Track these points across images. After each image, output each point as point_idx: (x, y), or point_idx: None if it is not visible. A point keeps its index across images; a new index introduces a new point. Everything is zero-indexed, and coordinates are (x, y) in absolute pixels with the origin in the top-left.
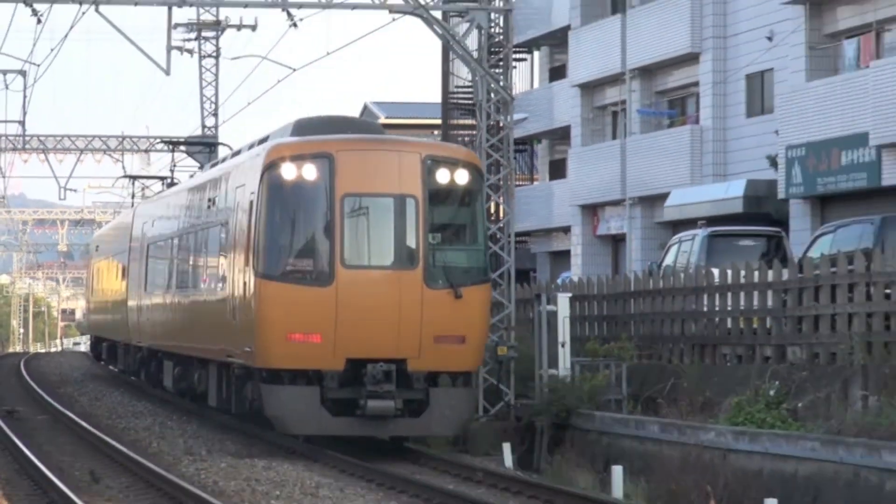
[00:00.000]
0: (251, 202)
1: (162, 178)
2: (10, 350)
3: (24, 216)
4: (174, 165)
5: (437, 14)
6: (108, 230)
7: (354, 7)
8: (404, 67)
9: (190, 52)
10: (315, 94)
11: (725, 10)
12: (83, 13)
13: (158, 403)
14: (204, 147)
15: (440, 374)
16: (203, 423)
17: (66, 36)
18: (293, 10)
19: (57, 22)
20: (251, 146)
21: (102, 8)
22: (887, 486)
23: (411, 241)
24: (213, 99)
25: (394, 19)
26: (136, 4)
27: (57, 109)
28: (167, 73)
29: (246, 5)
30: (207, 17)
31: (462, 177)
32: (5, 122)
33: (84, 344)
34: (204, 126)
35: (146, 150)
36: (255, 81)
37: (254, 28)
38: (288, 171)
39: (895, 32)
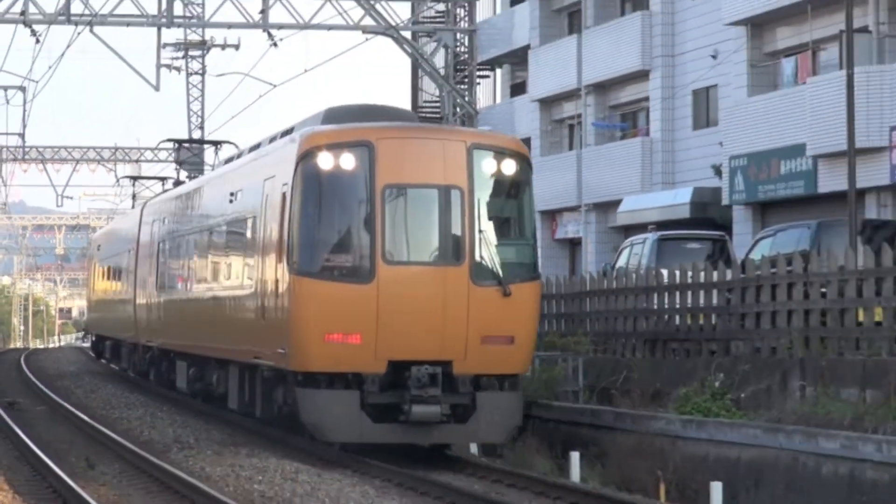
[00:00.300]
0: (283, 194)
1: (162, 179)
2: (11, 346)
3: (23, 222)
4: (179, 164)
5: (407, 34)
6: (112, 229)
7: (330, 28)
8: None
9: (178, 69)
10: (294, 108)
11: (673, 30)
12: (79, 33)
13: (149, 396)
14: (211, 146)
15: (486, 376)
16: (191, 413)
17: (62, 54)
18: (273, 31)
19: (54, 41)
20: (272, 139)
21: (97, 29)
22: (823, 469)
23: (457, 235)
24: (199, 113)
25: (367, 39)
26: (127, 25)
27: (54, 122)
28: (157, 88)
29: (230, 26)
30: (194, 37)
31: (509, 167)
32: (6, 134)
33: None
34: (191, 137)
35: (137, 160)
36: (239, 97)
37: (237, 47)
38: (325, 161)
39: (830, 51)
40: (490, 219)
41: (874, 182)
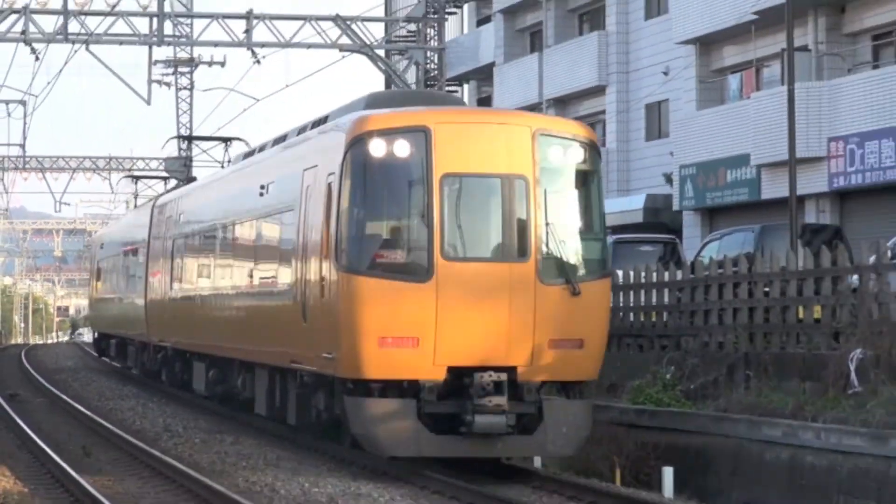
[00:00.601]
0: (329, 185)
1: (165, 178)
2: (13, 342)
3: (24, 226)
4: (190, 161)
5: (381, 52)
6: (118, 227)
7: (310, 46)
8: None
9: (168, 84)
10: (276, 122)
11: (628, 48)
12: (75, 51)
13: (141, 388)
14: (220, 142)
15: (552, 383)
16: (179, 404)
17: (60, 71)
18: (257, 49)
19: (53, 59)
20: (301, 130)
21: (92, 47)
22: (766, 455)
23: (522, 229)
24: (187, 125)
25: (343, 57)
26: (121, 44)
27: (53, 134)
28: (148, 102)
29: (216, 45)
30: (183, 54)
31: (578, 154)
32: (8, 145)
33: (74, 336)
34: (180, 148)
35: (129, 169)
36: (224, 110)
37: (223, 64)
38: (377, 148)
39: (772, 68)
40: (557, 211)
41: (813, 189)
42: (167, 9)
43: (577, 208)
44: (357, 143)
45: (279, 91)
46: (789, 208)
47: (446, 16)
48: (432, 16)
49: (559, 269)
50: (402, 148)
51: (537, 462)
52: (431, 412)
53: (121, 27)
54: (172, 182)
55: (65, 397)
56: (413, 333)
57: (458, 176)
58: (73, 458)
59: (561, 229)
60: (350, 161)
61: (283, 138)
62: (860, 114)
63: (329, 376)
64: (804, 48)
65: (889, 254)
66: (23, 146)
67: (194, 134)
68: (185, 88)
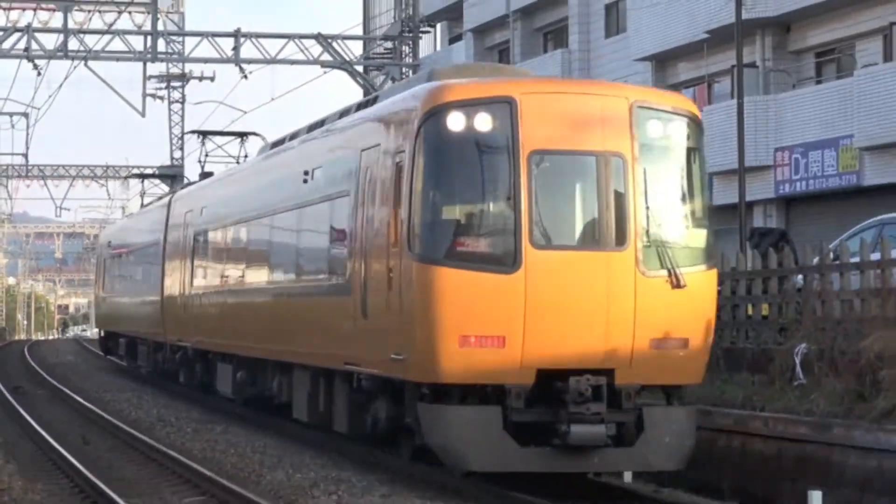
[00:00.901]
0: (397, 165)
1: (171, 177)
2: (16, 338)
3: (26, 230)
4: (206, 156)
5: (360, 68)
6: (128, 224)
7: (293, 63)
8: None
9: (161, 98)
10: (263, 133)
11: (589, 65)
12: (75, 67)
13: (136, 381)
14: (237, 137)
15: (651, 388)
16: (172, 395)
17: (60, 85)
18: (244, 65)
19: (53, 74)
20: (344, 113)
21: (90, 63)
22: (719, 442)
23: (620, 213)
24: (179, 136)
25: (325, 72)
26: (117, 60)
27: (54, 144)
28: (143, 115)
29: (206, 61)
30: (175, 70)
31: (679, 130)
32: (12, 154)
33: (64, 333)
34: (172, 157)
35: (125, 178)
36: (214, 122)
37: (212, 79)
38: (455, 122)
39: (723, 83)
40: (657, 193)
41: (761, 195)
42: (161, 27)
43: (680, 190)
44: (433, 116)
45: (265, 104)
46: (739, 213)
47: (420, 34)
48: (407, 34)
49: (661, 259)
50: (485, 121)
51: (627, 477)
52: (519, 421)
53: (117, 45)
54: (191, 176)
55: (65, 389)
56: (498, 332)
57: (548, 153)
58: (72, 447)
59: (662, 213)
60: (425, 137)
61: (320, 123)
62: (804, 126)
63: (396, 380)
64: (752, 65)
65: (831, 255)
66: (26, 155)
67: (184, 146)
68: (177, 102)
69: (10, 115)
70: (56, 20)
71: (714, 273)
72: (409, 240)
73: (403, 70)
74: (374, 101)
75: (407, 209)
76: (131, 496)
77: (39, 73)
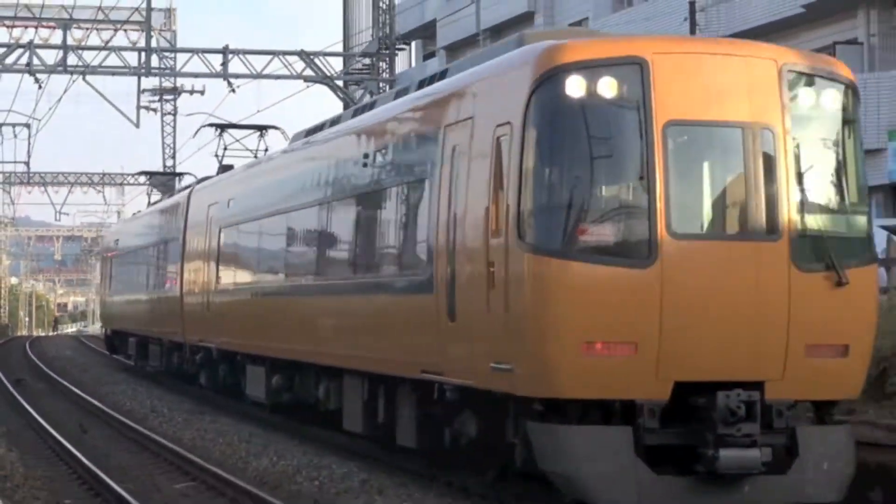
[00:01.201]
0: (498, 140)
1: (178, 175)
2: (18, 334)
3: (28, 233)
4: (225, 149)
5: (340, 83)
6: (139, 220)
7: (278, 77)
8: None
9: (154, 110)
10: (248, 142)
11: None
12: (73, 81)
13: (130, 374)
14: (256, 131)
15: (802, 403)
16: (163, 388)
17: (60, 98)
18: (232, 79)
19: (53, 88)
20: (399, 93)
21: (88, 77)
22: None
23: (770, 197)
24: (171, 146)
25: (307, 86)
26: (113, 75)
27: (54, 153)
28: (137, 126)
29: (196, 76)
30: (167, 84)
31: (836, 99)
32: (14, 162)
33: (53, 331)
34: (164, 166)
35: (121, 184)
36: (203, 133)
37: (202, 93)
38: (575, 87)
39: None
40: (813, 174)
41: (872, 182)
42: (154, 44)
43: (837, 170)
44: (548, 80)
45: (252, 116)
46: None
47: (396, 52)
48: (384, 52)
49: (819, 252)
50: (611, 86)
51: None
52: (653, 444)
53: (113, 60)
54: (187, 179)
55: (64, 382)
56: (629, 337)
57: (686, 124)
58: (71, 436)
59: (819, 198)
60: (539, 105)
61: (369, 106)
62: None
63: (496, 393)
64: (855, 41)
65: None
66: (27, 163)
67: (176, 155)
68: (169, 114)
69: (13, 125)
70: (56, 37)
71: (875, 269)
72: (518, 227)
73: (381, 85)
74: (443, 75)
75: (516, 192)
76: (126, 482)
77: (40, 87)
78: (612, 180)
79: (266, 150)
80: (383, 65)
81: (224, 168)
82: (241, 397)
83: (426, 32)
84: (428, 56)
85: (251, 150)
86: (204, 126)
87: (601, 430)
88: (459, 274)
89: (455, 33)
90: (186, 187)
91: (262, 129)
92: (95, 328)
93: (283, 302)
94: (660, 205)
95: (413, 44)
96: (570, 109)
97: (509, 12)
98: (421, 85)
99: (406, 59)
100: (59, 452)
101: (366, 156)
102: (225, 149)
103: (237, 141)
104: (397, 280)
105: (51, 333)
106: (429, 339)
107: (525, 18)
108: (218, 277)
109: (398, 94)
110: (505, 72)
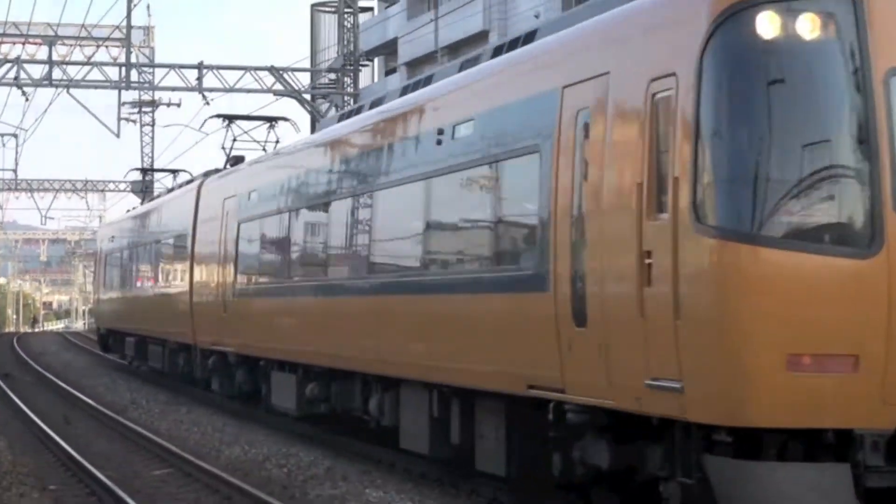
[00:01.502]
0: (653, 98)
1: (174, 171)
2: (6, 330)
3: (15, 236)
4: (234, 141)
5: (307, 97)
6: (138, 217)
7: (249, 91)
8: (283, 135)
9: (134, 121)
10: (222, 154)
11: None
12: (58, 94)
13: (110, 369)
14: (265, 122)
15: None
16: (141, 381)
17: (46, 110)
18: (207, 93)
19: (40, 100)
20: (465, 63)
21: (72, 90)
22: None
23: None
24: (150, 154)
25: (277, 100)
26: (95, 88)
27: (40, 161)
28: (118, 136)
29: (173, 89)
30: (146, 97)
31: None
32: (2, 170)
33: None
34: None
35: (102, 191)
36: (180, 143)
37: (179, 105)
38: (768, 26)
39: None
40: None
41: None
42: (133, 60)
43: None
44: (731, 18)
45: (225, 127)
46: None
47: (360, 67)
48: (349, 67)
49: None
50: (814, 25)
51: None
52: (878, 486)
53: (95, 74)
54: (183, 176)
55: (49, 376)
56: (847, 348)
57: None
58: (55, 426)
59: None
60: (720, 50)
61: (427, 79)
62: None
63: (652, 418)
64: None
65: None
66: (15, 171)
67: (154, 164)
68: (147, 125)
69: (2, 135)
70: (42, 53)
71: None
72: (695, 207)
73: (346, 99)
74: (531, 37)
75: (689, 161)
76: (107, 469)
77: (27, 100)
78: (821, 145)
79: (277, 141)
80: (348, 80)
81: (235, 160)
82: (260, 404)
83: (388, 49)
84: (390, 72)
85: (259, 143)
86: (211, 117)
87: (812, 470)
88: (592, 267)
89: (415, 50)
90: (190, 181)
91: (272, 120)
92: (79, 325)
93: (322, 303)
94: (885, 177)
95: (376, 60)
96: (763, 54)
97: (464, 31)
98: (497, 52)
99: (369, 75)
100: (45, 441)
101: (440, 132)
102: (234, 140)
103: (245, 133)
104: (490, 275)
105: (31, 330)
106: (540, 348)
107: (481, 36)
108: (236, 276)
109: (463, 66)
110: (661, 12)
